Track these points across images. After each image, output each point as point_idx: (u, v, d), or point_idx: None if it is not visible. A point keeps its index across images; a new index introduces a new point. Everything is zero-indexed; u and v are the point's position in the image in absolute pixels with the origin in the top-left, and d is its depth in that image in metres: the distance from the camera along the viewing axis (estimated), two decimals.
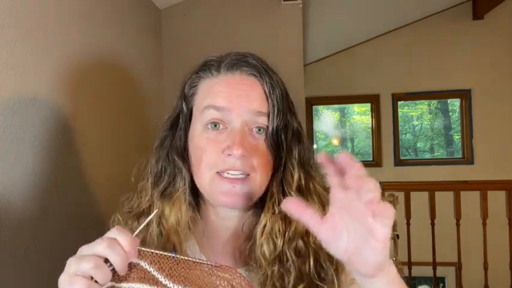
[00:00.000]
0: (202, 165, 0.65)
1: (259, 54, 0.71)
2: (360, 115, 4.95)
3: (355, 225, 0.45)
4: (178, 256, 0.52)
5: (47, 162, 1.12)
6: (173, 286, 0.51)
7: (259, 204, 0.69)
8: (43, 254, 1.09)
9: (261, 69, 0.67)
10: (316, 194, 0.69)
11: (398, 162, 4.44)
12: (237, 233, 0.70)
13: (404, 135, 4.80)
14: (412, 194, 2.77)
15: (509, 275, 2.70)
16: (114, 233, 0.49)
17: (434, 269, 2.76)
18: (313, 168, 0.71)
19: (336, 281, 0.65)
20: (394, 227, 2.36)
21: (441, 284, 4.11)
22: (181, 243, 0.67)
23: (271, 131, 0.66)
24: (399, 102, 4.50)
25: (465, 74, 4.27)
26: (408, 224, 2.73)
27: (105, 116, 1.49)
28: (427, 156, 4.89)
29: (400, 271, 2.28)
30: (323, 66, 4.45)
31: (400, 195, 2.59)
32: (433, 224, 2.72)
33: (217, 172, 0.64)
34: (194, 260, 0.53)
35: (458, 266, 2.77)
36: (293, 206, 0.49)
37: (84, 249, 0.49)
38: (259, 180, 0.65)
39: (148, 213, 0.67)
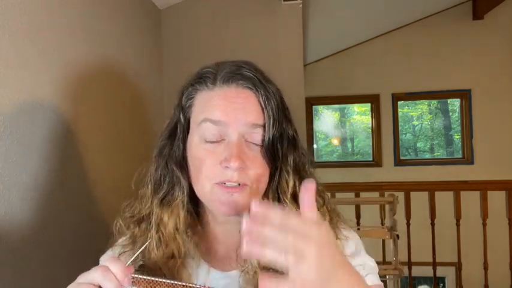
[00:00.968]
0: (202, 176, 0.66)
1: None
2: (360, 115, 4.95)
3: None
4: (170, 281, 0.56)
5: (50, 164, 1.12)
6: None
7: None
8: (43, 256, 1.10)
9: (256, 82, 0.68)
10: None
11: (398, 162, 4.44)
12: (235, 238, 0.71)
13: (404, 135, 4.80)
14: (412, 194, 2.76)
15: (509, 275, 2.70)
16: (108, 262, 0.55)
17: (434, 269, 2.76)
18: (308, 173, 0.72)
19: None
20: (394, 227, 2.36)
21: (441, 284, 4.12)
22: (180, 249, 0.68)
23: (267, 142, 0.67)
24: (399, 102, 4.50)
25: (465, 74, 4.27)
26: (408, 224, 2.73)
27: (107, 117, 1.49)
28: (427, 156, 4.89)
29: (400, 271, 2.28)
30: (323, 66, 4.46)
31: (400, 195, 2.58)
32: (433, 224, 2.72)
33: (216, 183, 0.66)
34: (186, 284, 0.56)
35: (458, 266, 2.77)
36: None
37: (81, 278, 0.55)
38: (256, 189, 0.67)
39: (149, 220, 0.69)
